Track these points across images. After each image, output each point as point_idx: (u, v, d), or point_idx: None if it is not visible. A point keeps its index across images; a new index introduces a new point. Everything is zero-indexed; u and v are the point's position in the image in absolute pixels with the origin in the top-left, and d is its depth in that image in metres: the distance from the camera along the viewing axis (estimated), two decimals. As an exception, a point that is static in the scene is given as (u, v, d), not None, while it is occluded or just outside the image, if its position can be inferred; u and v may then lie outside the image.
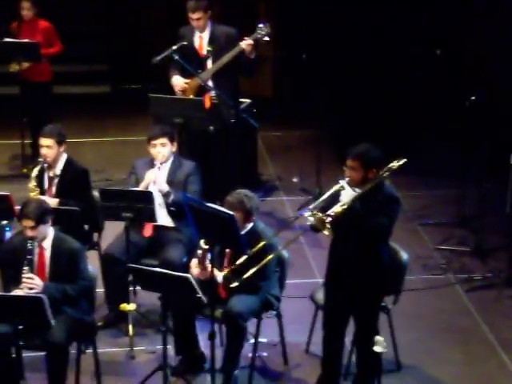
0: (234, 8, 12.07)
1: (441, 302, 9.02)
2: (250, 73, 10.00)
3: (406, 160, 7.51)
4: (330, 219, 7.25)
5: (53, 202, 8.38)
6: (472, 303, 8.99)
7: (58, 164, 8.68)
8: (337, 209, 7.32)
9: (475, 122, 9.78)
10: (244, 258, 7.49)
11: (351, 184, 7.40)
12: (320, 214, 7.26)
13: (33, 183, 8.56)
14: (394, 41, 13.04)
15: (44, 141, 8.65)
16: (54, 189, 8.65)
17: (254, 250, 7.52)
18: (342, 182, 7.40)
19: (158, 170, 8.62)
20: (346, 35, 12.94)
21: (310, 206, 7.44)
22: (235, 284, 7.53)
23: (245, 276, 7.48)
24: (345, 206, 7.32)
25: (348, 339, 7.73)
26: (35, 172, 8.63)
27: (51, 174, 8.68)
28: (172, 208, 8.56)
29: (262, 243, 7.57)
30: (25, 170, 10.56)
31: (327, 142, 11.05)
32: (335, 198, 7.41)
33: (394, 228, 7.53)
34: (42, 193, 8.55)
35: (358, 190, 7.38)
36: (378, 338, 7.02)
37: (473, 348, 8.40)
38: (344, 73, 12.72)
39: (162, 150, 8.62)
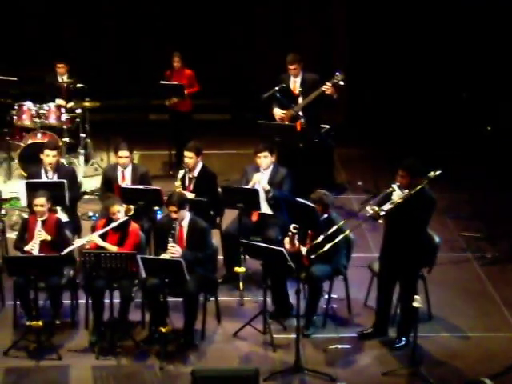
0: (316, 60, 12.01)
1: (461, 272, 8.87)
2: (331, 107, 9.94)
3: (440, 171, 7.39)
4: (383, 212, 7.21)
5: (190, 195, 8.40)
6: (483, 274, 8.82)
7: (196, 169, 8.65)
8: (389, 205, 7.25)
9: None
10: (321, 237, 7.44)
11: (401, 187, 7.32)
12: (377, 208, 7.22)
13: (178, 182, 8.56)
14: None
15: (187, 153, 8.63)
16: (191, 186, 8.62)
17: (329, 232, 7.46)
18: (394, 186, 7.32)
19: (262, 174, 8.55)
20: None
21: (371, 202, 7.43)
22: (315, 255, 7.47)
23: (322, 250, 7.41)
24: (394, 204, 7.23)
25: (394, 297, 7.67)
26: (180, 174, 8.62)
27: (190, 176, 8.64)
28: (271, 201, 8.48)
29: (334, 228, 7.49)
30: (171, 172, 10.64)
31: (382, 157, 10.90)
32: (389, 197, 7.34)
33: (432, 220, 7.47)
34: (184, 189, 8.53)
35: (405, 192, 7.29)
36: (416, 296, 6.98)
37: (482, 305, 8.27)
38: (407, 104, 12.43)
39: (265, 160, 8.56)
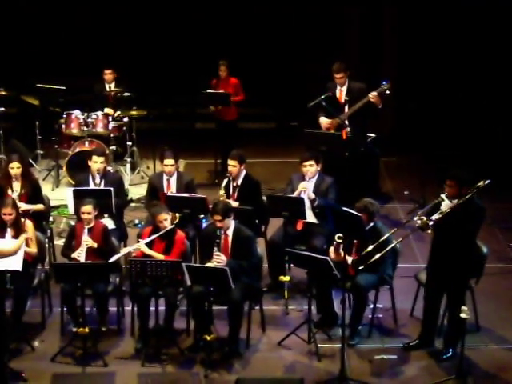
0: (365, 68, 11.97)
1: (510, 283, 8.78)
2: (375, 117, 9.91)
3: (489, 181, 7.34)
4: (432, 223, 7.17)
5: (234, 203, 8.41)
6: None
7: (240, 177, 8.68)
8: (437, 215, 7.21)
9: None
10: (371, 247, 7.41)
11: (449, 197, 7.28)
12: (425, 219, 7.18)
13: (222, 190, 8.59)
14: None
15: (230, 161, 8.67)
16: (236, 194, 8.65)
17: (377, 243, 7.39)
18: (443, 196, 7.29)
19: (307, 183, 8.54)
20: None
21: (419, 212, 7.36)
22: (362, 267, 7.45)
23: (371, 260, 7.39)
24: (443, 214, 7.19)
25: (441, 308, 7.60)
26: (224, 183, 8.66)
27: (234, 184, 8.67)
28: (316, 210, 8.48)
29: (382, 238, 7.44)
30: (216, 181, 10.68)
31: (429, 166, 10.81)
32: (437, 207, 7.30)
33: (480, 230, 7.41)
34: (228, 197, 8.57)
35: (454, 202, 7.25)
36: (463, 307, 6.92)
37: None
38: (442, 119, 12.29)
39: (311, 168, 8.55)
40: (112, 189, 8.52)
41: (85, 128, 10.55)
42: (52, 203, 9.26)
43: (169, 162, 8.74)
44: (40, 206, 8.56)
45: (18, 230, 7.76)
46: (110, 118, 10.76)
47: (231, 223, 7.69)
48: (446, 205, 7.25)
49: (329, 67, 9.83)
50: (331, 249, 7.65)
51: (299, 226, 8.48)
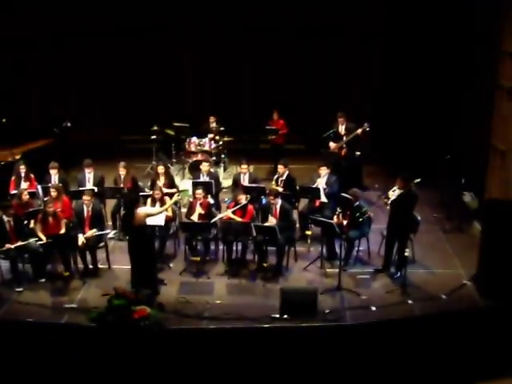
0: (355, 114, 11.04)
1: (431, 236, 8.61)
2: (362, 142, 9.78)
3: (420, 179, 7.47)
4: (389, 201, 7.46)
5: (280, 190, 8.37)
6: (444, 237, 8.62)
7: (284, 175, 8.69)
8: (392, 198, 7.45)
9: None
10: (355, 215, 7.60)
11: (398, 188, 7.47)
12: (386, 200, 7.45)
13: (274, 182, 8.66)
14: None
15: (279, 166, 8.69)
16: (281, 185, 8.66)
17: (360, 213, 7.62)
18: (395, 187, 7.51)
19: (322, 179, 8.51)
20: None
21: (383, 196, 7.63)
22: (351, 227, 7.62)
23: (355, 223, 7.58)
24: (395, 197, 7.39)
25: (394, 250, 7.66)
26: (275, 178, 8.70)
27: (281, 179, 8.59)
28: (326, 194, 8.43)
29: (363, 210, 7.68)
30: (271, 177, 9.98)
31: (390, 171, 9.75)
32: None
33: (417, 206, 7.55)
34: (277, 186, 8.58)
35: (401, 191, 7.43)
36: (406, 249, 7.28)
37: (443, 255, 8.14)
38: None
39: (324, 171, 8.55)
40: (213, 181, 8.66)
41: (198, 147, 10.46)
42: (180, 188, 9.10)
43: (244, 166, 8.85)
44: (174, 190, 8.59)
45: (162, 202, 8.00)
46: (213, 142, 10.77)
47: (278, 201, 7.84)
48: (397, 192, 7.50)
49: (335, 114, 9.76)
50: (335, 217, 7.76)
51: (317, 203, 8.47)
